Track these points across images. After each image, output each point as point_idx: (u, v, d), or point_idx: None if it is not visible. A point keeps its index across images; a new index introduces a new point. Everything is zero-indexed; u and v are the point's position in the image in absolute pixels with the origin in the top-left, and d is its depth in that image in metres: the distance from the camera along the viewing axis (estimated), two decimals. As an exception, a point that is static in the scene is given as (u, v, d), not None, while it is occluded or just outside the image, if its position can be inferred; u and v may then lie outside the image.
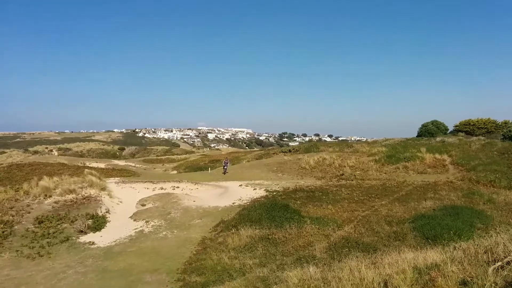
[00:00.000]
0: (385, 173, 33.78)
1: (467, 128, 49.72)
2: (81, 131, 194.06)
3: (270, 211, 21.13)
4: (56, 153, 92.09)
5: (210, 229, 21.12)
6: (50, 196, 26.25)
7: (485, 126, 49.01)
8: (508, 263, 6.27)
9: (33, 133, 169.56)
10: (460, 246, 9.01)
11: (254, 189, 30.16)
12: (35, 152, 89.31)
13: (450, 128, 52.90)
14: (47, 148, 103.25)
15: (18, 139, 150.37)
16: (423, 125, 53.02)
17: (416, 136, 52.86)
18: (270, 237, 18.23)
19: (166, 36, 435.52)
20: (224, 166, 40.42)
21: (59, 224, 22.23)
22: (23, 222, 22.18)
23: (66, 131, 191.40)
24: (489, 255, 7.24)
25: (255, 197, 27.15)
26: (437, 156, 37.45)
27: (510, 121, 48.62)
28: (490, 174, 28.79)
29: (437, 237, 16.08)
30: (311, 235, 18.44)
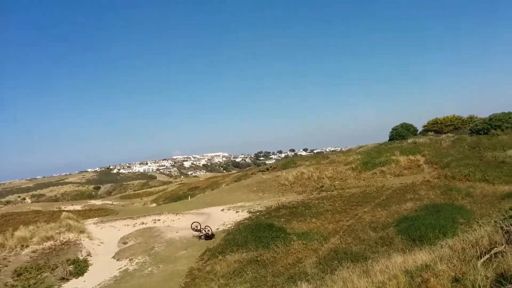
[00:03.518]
0: (364, 180, 34.19)
1: (436, 127, 51.16)
2: (54, 175, 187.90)
3: (255, 232, 20.93)
4: (29, 201, 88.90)
5: (197, 258, 20.68)
6: (27, 246, 25.18)
7: (452, 123, 50.60)
8: (495, 254, 6.36)
9: (3, 183, 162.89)
10: (446, 244, 9.13)
11: (237, 212, 29.87)
12: (7, 202, 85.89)
13: (419, 128, 54.33)
14: (19, 196, 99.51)
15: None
16: (393, 129, 54.24)
17: (388, 140, 53.94)
18: (258, 259, 18.00)
19: (129, 64, 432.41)
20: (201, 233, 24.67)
21: (39, 274, 21.30)
22: (1, 277, 21.19)
23: (38, 177, 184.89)
24: (476, 249, 7.35)
25: (238, 220, 26.86)
26: (411, 157, 38.27)
27: (475, 116, 50.42)
28: (464, 168, 29.56)
29: (423, 237, 16.27)
30: (299, 251, 18.33)
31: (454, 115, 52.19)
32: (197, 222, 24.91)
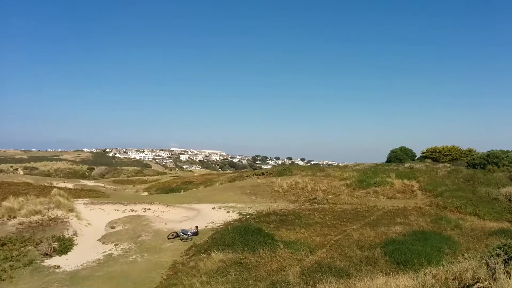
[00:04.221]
0: (357, 198, 34.35)
1: (434, 155, 51.47)
2: (49, 150, 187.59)
3: (243, 235, 20.98)
4: (21, 172, 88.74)
5: (182, 252, 20.73)
6: (14, 217, 25.19)
7: (450, 153, 50.92)
8: (477, 289, 6.49)
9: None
10: (430, 272, 9.26)
11: (227, 212, 29.96)
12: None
13: (418, 154, 54.64)
14: (12, 167, 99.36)
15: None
16: (392, 151, 54.53)
17: (386, 162, 54.19)
18: (243, 261, 18.07)
19: (139, 54, 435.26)
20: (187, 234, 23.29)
21: (23, 247, 21.26)
22: (-16, 245, 21.12)
23: (33, 149, 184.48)
24: (459, 281, 7.48)
25: (228, 220, 26.95)
26: (406, 181, 38.47)
27: (473, 149, 50.73)
28: (457, 200, 29.76)
29: (407, 262, 16.40)
30: (284, 259, 18.42)
31: (453, 146, 52.55)
32: (174, 232, 24.12)
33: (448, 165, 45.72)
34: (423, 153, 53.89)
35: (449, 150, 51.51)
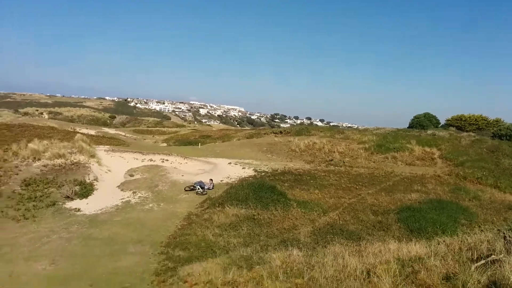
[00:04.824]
0: (374, 162, 34.00)
1: (459, 123, 50.00)
2: (72, 96, 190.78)
3: (257, 192, 21.19)
4: (46, 116, 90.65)
5: (197, 204, 21.17)
6: (39, 159, 25.94)
7: (476, 123, 49.36)
8: (492, 262, 6.34)
9: (23, 94, 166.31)
10: (444, 241, 9.14)
11: (243, 168, 30.18)
12: (25, 114, 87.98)
13: (442, 121, 53.12)
14: (37, 110, 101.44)
15: (8, 99, 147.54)
16: (415, 117, 53.08)
17: (407, 127, 52.94)
18: (255, 217, 18.36)
19: (165, 8, 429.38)
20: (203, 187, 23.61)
21: (46, 188, 22.08)
22: (10, 183, 21.98)
23: (57, 95, 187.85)
24: (473, 252, 7.33)
25: (243, 176, 27.21)
26: (427, 149, 37.69)
27: (501, 119, 48.97)
28: (478, 171, 29.09)
29: (421, 230, 16.34)
30: (297, 218, 18.62)
31: (480, 115, 50.84)
32: (192, 185, 24.08)
33: (473, 134, 44.35)
34: (448, 120, 52.37)
35: (476, 119, 49.89)
